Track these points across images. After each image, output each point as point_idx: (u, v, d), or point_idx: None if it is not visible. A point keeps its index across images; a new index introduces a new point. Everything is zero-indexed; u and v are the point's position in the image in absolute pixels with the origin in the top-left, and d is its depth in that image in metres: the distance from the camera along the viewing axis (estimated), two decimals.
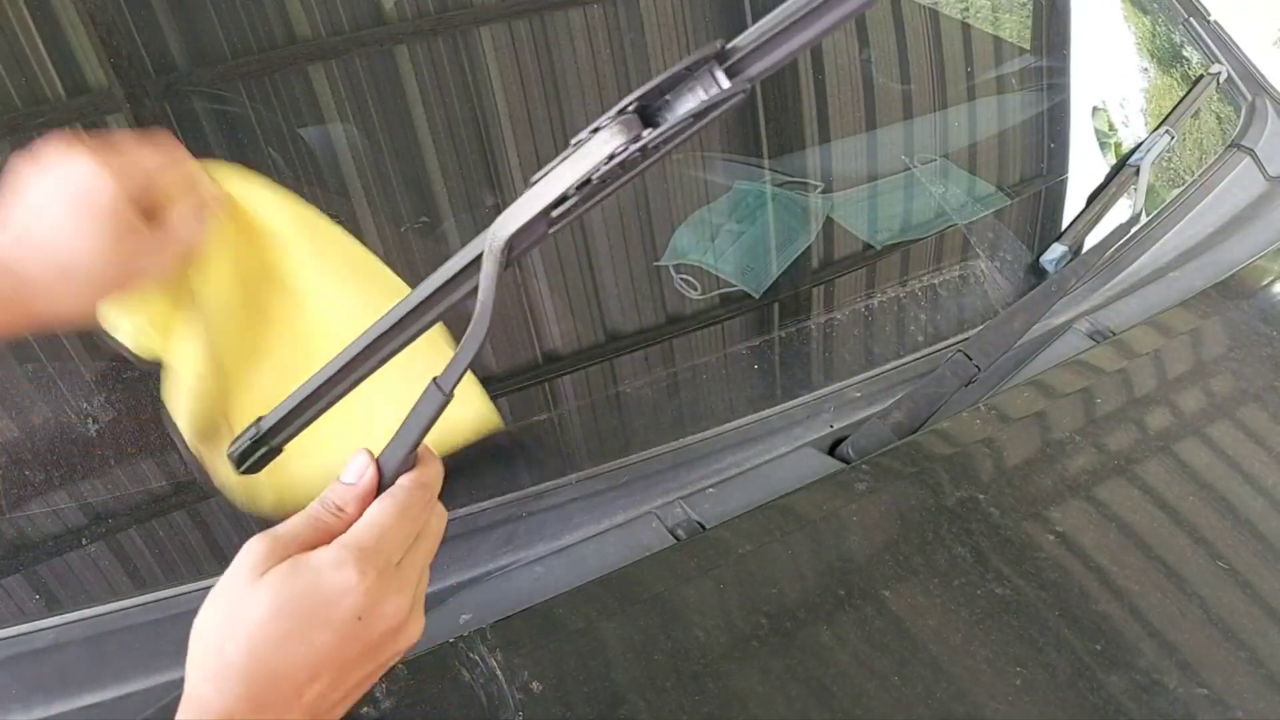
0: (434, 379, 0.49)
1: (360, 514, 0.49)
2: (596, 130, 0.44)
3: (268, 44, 0.86)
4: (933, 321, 0.95)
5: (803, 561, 0.69)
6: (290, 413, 0.53)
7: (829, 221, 1.00)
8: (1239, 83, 1.28)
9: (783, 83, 1.05)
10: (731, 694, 0.60)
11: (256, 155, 0.85)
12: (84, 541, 0.68)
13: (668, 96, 0.44)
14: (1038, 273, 1.01)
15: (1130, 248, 1.05)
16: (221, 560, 0.63)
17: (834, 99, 1.08)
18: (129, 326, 0.61)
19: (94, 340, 0.75)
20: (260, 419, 0.56)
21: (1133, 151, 1.09)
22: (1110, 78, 1.26)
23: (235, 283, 0.60)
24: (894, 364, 0.90)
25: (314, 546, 0.48)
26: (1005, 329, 0.87)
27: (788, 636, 0.63)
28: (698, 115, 0.43)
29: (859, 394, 0.87)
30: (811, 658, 0.62)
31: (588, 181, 0.45)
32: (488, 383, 0.82)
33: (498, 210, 0.47)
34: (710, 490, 0.77)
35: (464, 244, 0.48)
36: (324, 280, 0.61)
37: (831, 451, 0.81)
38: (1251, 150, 1.18)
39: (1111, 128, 1.21)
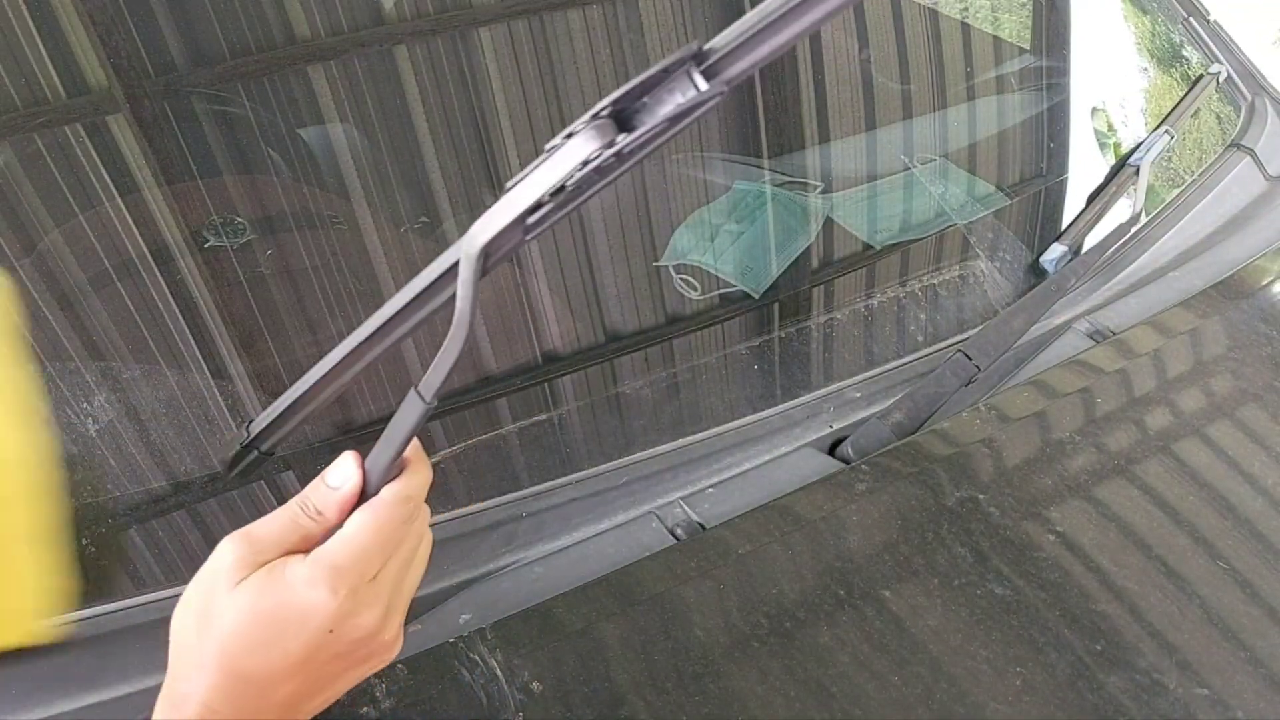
0: (414, 386, 0.49)
1: (340, 520, 0.49)
2: (570, 135, 0.43)
3: (267, 44, 0.86)
4: (933, 321, 0.95)
5: (803, 562, 0.69)
6: (278, 418, 0.53)
7: (829, 221, 1.00)
8: (1239, 82, 1.28)
9: (783, 83, 1.05)
10: (731, 694, 0.60)
11: (256, 155, 0.85)
12: (83, 542, 0.68)
13: (644, 99, 0.42)
14: (1038, 273, 1.01)
15: (1130, 248, 1.05)
16: None
17: (834, 99, 1.08)
18: None
19: (94, 340, 0.75)
20: (250, 422, 0.56)
21: (1133, 151, 1.09)
22: (1110, 78, 1.26)
23: None
24: (894, 364, 0.90)
25: (290, 550, 0.48)
26: (1005, 329, 0.87)
27: (788, 637, 0.63)
28: (674, 119, 0.42)
29: (859, 394, 0.87)
30: (811, 658, 0.62)
31: (562, 188, 0.44)
32: (488, 383, 0.82)
33: None
34: (710, 490, 0.76)
35: None
36: None
37: (831, 451, 0.81)
38: (1251, 150, 1.18)
39: (1111, 128, 1.21)
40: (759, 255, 0.97)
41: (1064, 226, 1.05)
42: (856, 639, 0.64)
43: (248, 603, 0.46)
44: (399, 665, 0.61)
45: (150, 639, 0.62)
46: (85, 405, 0.72)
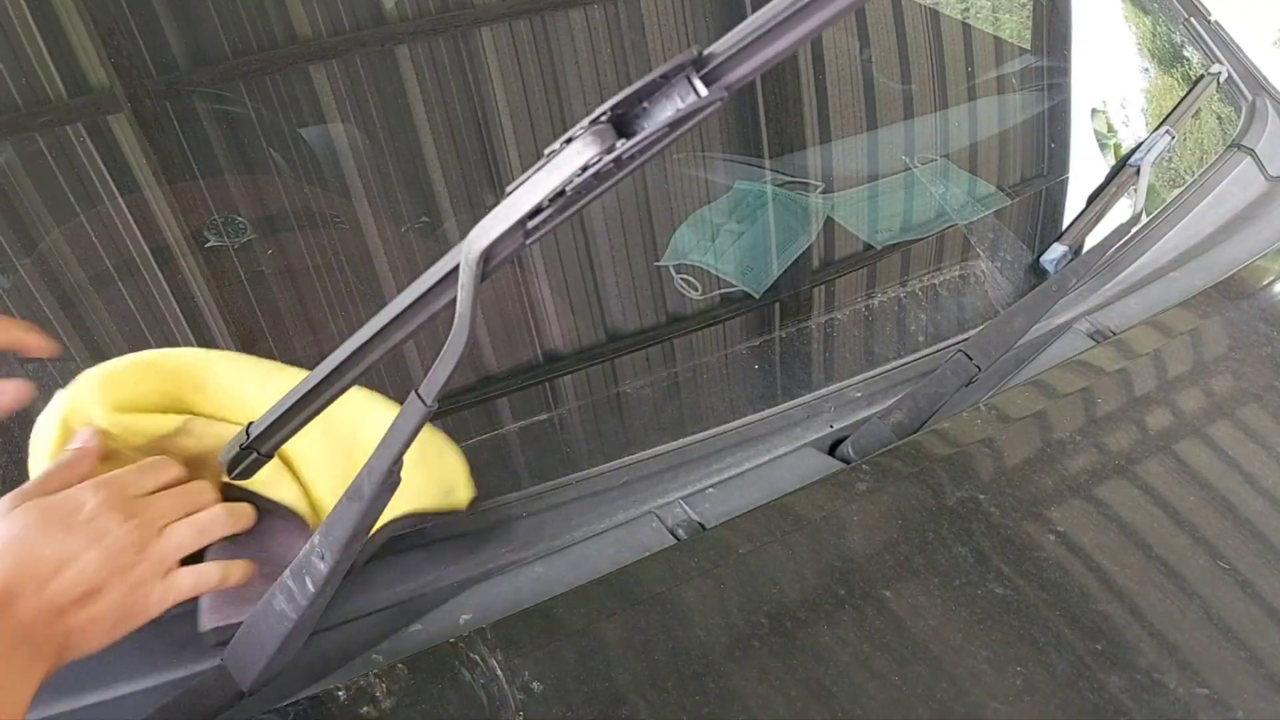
0: (415, 390, 0.49)
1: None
2: (570, 140, 0.43)
3: (268, 44, 0.86)
4: (933, 321, 0.95)
5: (803, 561, 0.69)
6: (278, 420, 0.53)
7: (829, 222, 1.00)
8: (1239, 83, 1.28)
9: (783, 83, 1.05)
10: (732, 694, 0.60)
11: (257, 155, 0.85)
12: None
13: (644, 105, 0.43)
14: (1038, 273, 1.01)
15: (1130, 248, 1.05)
16: None
17: (834, 99, 1.08)
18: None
19: (94, 340, 0.75)
20: (250, 425, 0.57)
21: (1133, 151, 1.09)
22: (1110, 78, 1.26)
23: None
24: (894, 364, 0.90)
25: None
26: (1005, 329, 0.87)
27: (788, 636, 0.63)
28: (674, 124, 0.42)
29: (859, 394, 0.87)
30: (812, 658, 0.62)
31: (562, 193, 0.44)
32: (488, 382, 0.82)
33: None
34: (710, 490, 0.76)
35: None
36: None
37: (831, 451, 0.81)
38: (1252, 150, 1.18)
39: (1111, 128, 1.21)
40: (759, 255, 0.97)
41: (1064, 226, 1.05)
42: (857, 638, 0.64)
43: (20, 515, 0.56)
44: (399, 665, 0.61)
45: (150, 639, 0.62)
46: None
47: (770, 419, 0.83)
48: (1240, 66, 1.30)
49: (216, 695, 0.59)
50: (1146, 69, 1.32)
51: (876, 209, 1.04)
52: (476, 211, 0.87)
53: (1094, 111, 1.20)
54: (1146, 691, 0.62)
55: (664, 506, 0.75)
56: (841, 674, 0.62)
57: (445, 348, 0.47)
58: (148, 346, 0.75)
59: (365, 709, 0.58)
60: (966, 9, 1.26)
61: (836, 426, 0.84)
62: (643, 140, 0.42)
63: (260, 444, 0.56)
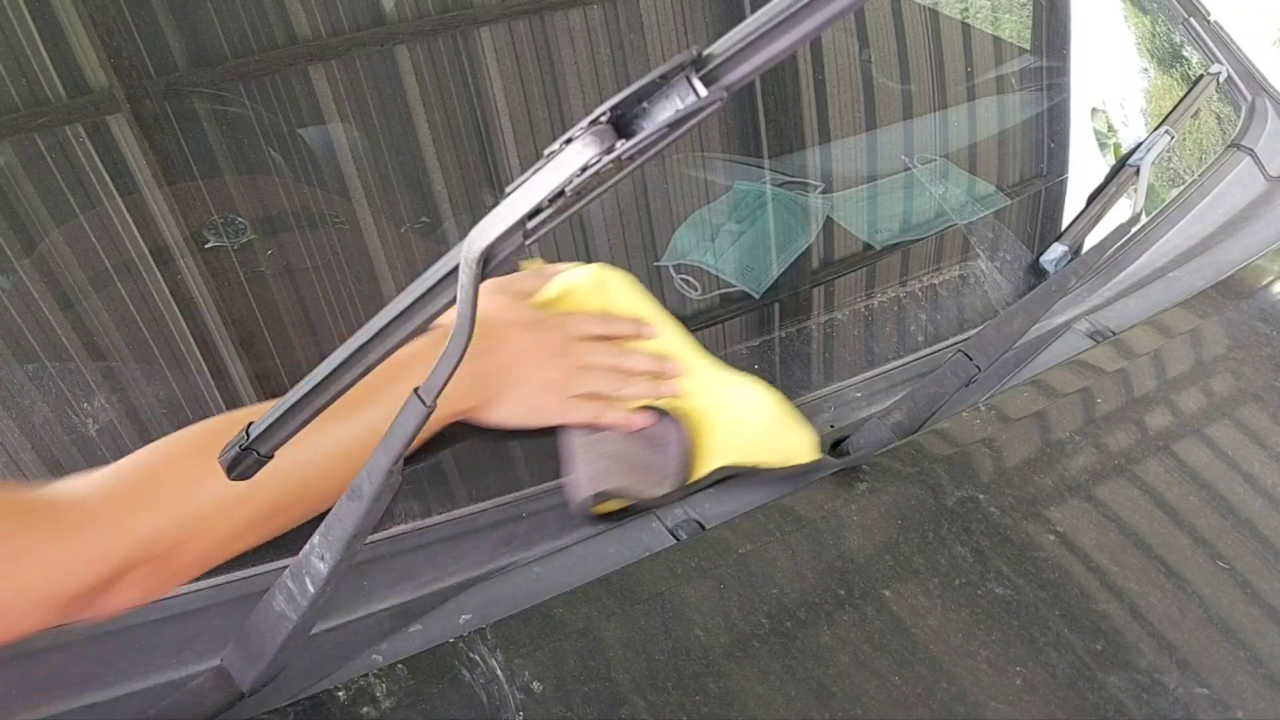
0: (415, 390, 0.49)
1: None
2: (569, 141, 0.43)
3: (268, 44, 0.87)
4: (933, 321, 0.95)
5: (803, 561, 0.69)
6: (278, 420, 0.53)
7: (829, 222, 1.00)
8: (1239, 83, 1.28)
9: (783, 83, 1.05)
10: (732, 693, 0.60)
11: (257, 155, 0.85)
12: None
13: (643, 105, 0.43)
14: (1038, 273, 1.01)
15: (1130, 248, 1.05)
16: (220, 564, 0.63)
17: (834, 99, 1.08)
18: None
19: (94, 340, 0.75)
20: (250, 425, 0.57)
21: (1133, 151, 1.09)
22: (1110, 78, 1.26)
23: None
24: (894, 364, 0.90)
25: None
26: (1005, 329, 0.87)
27: (788, 636, 0.63)
28: (673, 125, 0.42)
29: (859, 394, 0.87)
30: (812, 658, 0.62)
31: (562, 193, 0.44)
32: None
33: None
34: (710, 490, 0.77)
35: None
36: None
37: (832, 451, 0.81)
38: (1251, 150, 1.18)
39: (1111, 128, 1.21)
40: (759, 255, 0.97)
41: (1064, 227, 1.05)
42: (857, 638, 0.64)
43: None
44: (399, 665, 0.61)
45: (150, 639, 0.62)
46: (85, 405, 0.72)
47: None
48: (1240, 66, 1.30)
49: (216, 695, 0.59)
50: (1146, 69, 1.32)
51: (876, 209, 1.04)
52: (476, 211, 0.87)
53: (1093, 111, 1.20)
54: (1146, 691, 0.62)
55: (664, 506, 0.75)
56: (841, 674, 0.62)
57: (446, 348, 0.47)
58: (148, 346, 0.75)
59: (365, 709, 0.58)
60: (966, 9, 1.26)
61: (836, 426, 0.84)
62: (642, 140, 0.42)
63: (260, 444, 0.56)
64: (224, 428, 0.61)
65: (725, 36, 0.41)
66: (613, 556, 0.70)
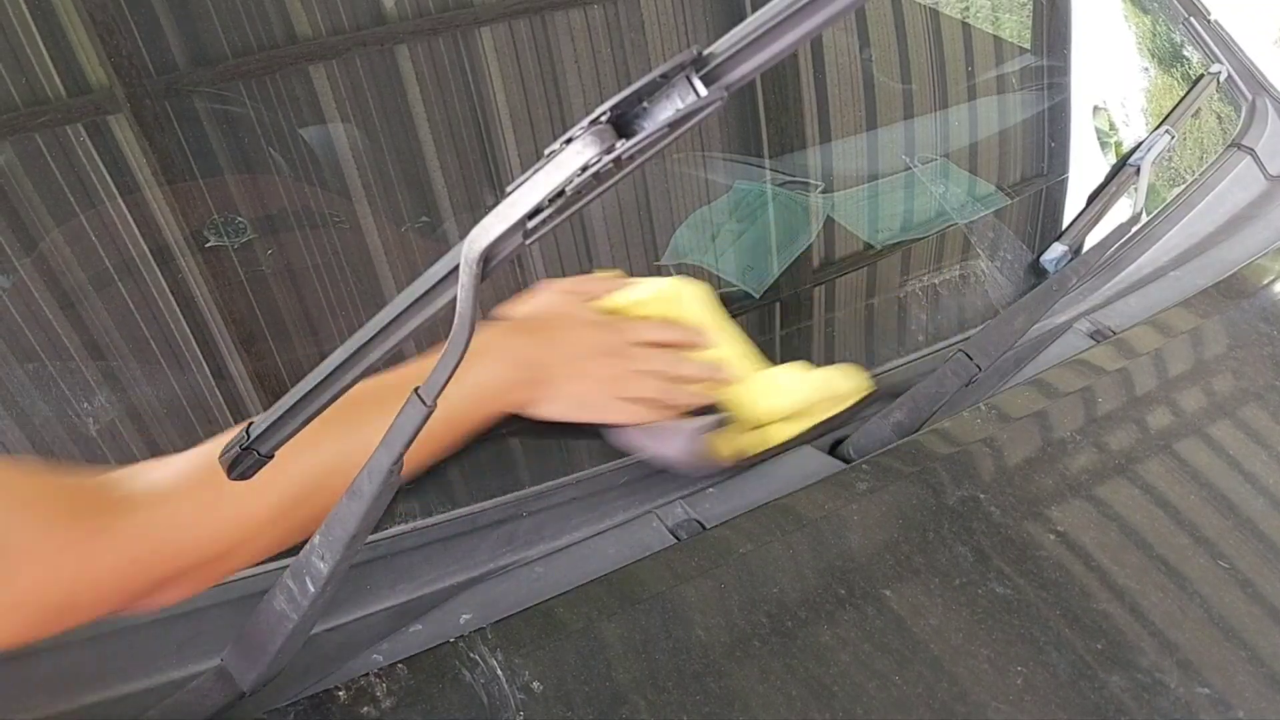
0: (415, 390, 0.49)
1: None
2: (569, 141, 0.43)
3: (268, 44, 0.86)
4: (933, 321, 0.95)
5: (803, 561, 0.69)
6: (279, 419, 0.53)
7: (829, 221, 1.00)
8: (1239, 82, 1.28)
9: (783, 82, 1.05)
10: (732, 693, 0.60)
11: (257, 155, 0.85)
12: None
13: (643, 105, 0.43)
14: (1038, 272, 1.01)
15: (1130, 247, 1.05)
16: None
17: (834, 99, 1.08)
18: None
19: (94, 340, 0.75)
20: (250, 424, 0.57)
21: (1133, 151, 1.09)
22: (1110, 78, 1.26)
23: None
24: (894, 364, 0.90)
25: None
26: (1005, 329, 0.87)
27: (788, 636, 0.63)
28: (673, 124, 0.42)
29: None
30: (812, 657, 0.62)
31: (562, 193, 0.44)
32: None
33: None
34: (710, 490, 0.76)
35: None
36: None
37: (832, 451, 0.81)
38: (1252, 150, 1.18)
39: (1111, 128, 1.21)
40: (759, 255, 0.97)
41: (1064, 226, 1.05)
42: (857, 638, 0.64)
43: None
44: (399, 665, 0.61)
45: (150, 639, 0.62)
46: (85, 405, 0.72)
47: None
48: (1240, 66, 1.29)
49: (216, 695, 0.59)
50: (1146, 69, 1.32)
51: (876, 209, 1.04)
52: (476, 211, 0.87)
53: (1094, 111, 1.20)
54: (1147, 691, 0.62)
55: (664, 506, 0.75)
56: (842, 674, 0.62)
57: (446, 347, 0.47)
58: (148, 346, 0.75)
59: (365, 709, 0.58)
60: (966, 9, 1.26)
61: (836, 427, 0.84)
62: (642, 140, 0.42)
63: (260, 444, 0.56)
64: None
65: (725, 36, 0.41)
66: (613, 556, 0.70)
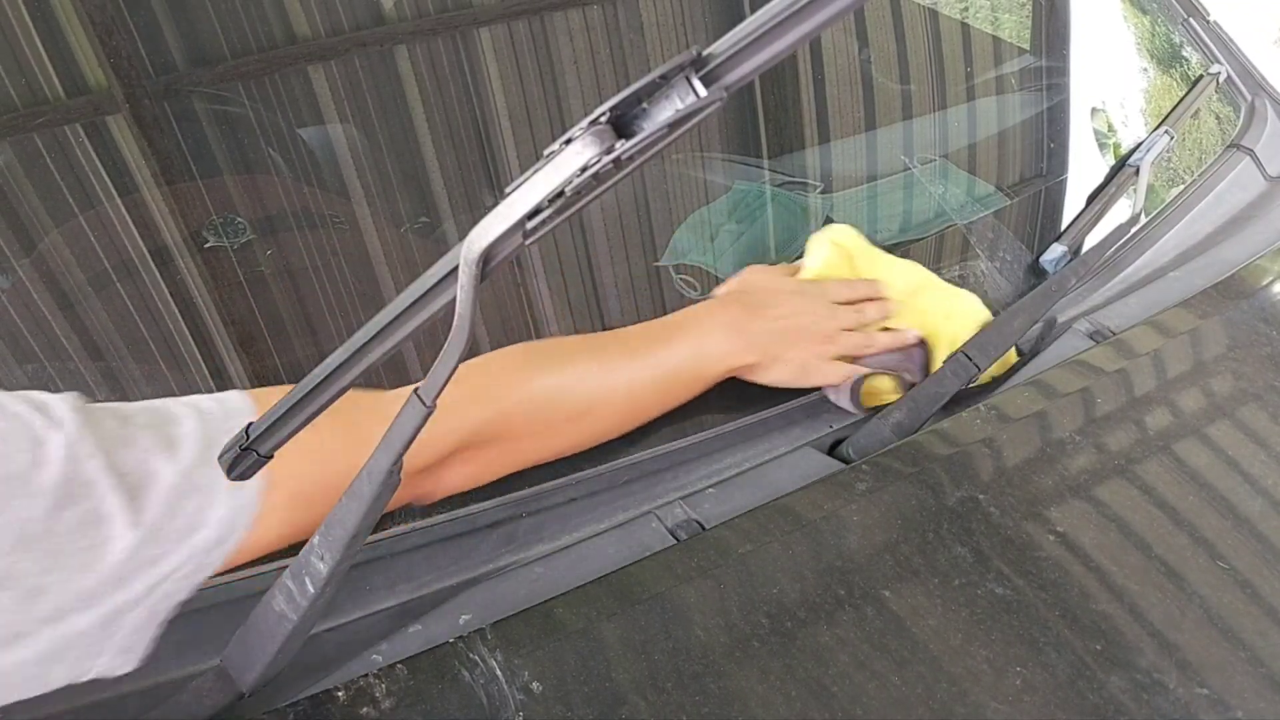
0: (415, 390, 0.49)
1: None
2: (569, 141, 0.43)
3: (268, 44, 0.86)
4: None
5: (803, 561, 0.69)
6: (278, 420, 0.53)
7: (829, 221, 1.00)
8: (1239, 83, 1.28)
9: (783, 83, 1.05)
10: (732, 693, 0.60)
11: (256, 155, 0.85)
12: None
13: (643, 105, 0.42)
14: (1038, 273, 1.01)
15: (1130, 248, 1.05)
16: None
17: (833, 99, 1.08)
18: None
19: (94, 340, 0.75)
20: (250, 425, 0.57)
21: (1132, 151, 1.09)
22: (1110, 78, 1.26)
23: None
24: None
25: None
26: (1005, 329, 0.87)
27: (788, 636, 0.63)
28: (673, 125, 0.42)
29: None
30: (812, 658, 0.62)
31: (561, 194, 0.44)
32: None
33: None
34: (710, 490, 0.77)
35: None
36: None
37: (831, 451, 0.81)
38: (1251, 150, 1.18)
39: (1111, 128, 1.21)
40: (759, 255, 0.97)
41: (1064, 227, 1.05)
42: (857, 638, 0.64)
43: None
44: (399, 665, 0.61)
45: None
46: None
47: (770, 419, 0.83)
48: (1239, 66, 1.30)
49: (216, 695, 0.59)
50: (1145, 69, 1.32)
51: (876, 209, 1.04)
52: (476, 212, 0.87)
53: (1093, 111, 1.20)
54: (1146, 691, 0.62)
55: (664, 506, 0.75)
56: (841, 674, 0.62)
57: (445, 348, 0.47)
58: (148, 346, 0.75)
59: (365, 709, 0.58)
60: (966, 9, 1.26)
61: (836, 426, 0.84)
62: (642, 141, 0.42)
63: (260, 444, 0.56)
64: (536, 351, 0.76)
65: (725, 36, 0.41)
66: (613, 556, 0.70)
